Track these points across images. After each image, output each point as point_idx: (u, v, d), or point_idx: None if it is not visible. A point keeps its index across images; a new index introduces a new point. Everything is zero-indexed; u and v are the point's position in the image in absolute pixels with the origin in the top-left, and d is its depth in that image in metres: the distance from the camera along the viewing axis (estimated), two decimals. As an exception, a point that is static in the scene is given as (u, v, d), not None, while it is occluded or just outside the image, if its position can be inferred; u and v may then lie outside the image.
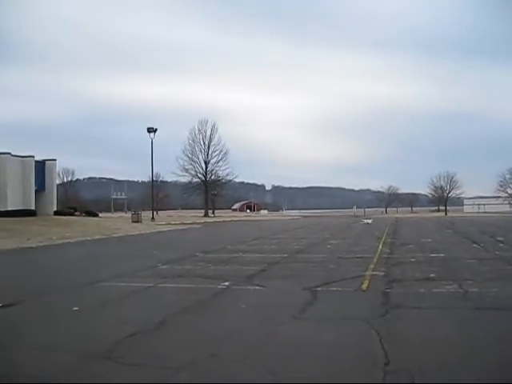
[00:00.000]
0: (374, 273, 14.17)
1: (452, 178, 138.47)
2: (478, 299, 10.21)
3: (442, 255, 18.62)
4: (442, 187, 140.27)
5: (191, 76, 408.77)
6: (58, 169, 65.20)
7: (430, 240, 27.07)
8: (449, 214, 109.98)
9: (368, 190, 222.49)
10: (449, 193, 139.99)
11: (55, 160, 58.23)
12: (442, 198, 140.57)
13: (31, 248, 25.85)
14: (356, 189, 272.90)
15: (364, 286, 11.92)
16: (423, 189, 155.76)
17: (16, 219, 41.78)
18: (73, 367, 6.25)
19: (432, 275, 13.47)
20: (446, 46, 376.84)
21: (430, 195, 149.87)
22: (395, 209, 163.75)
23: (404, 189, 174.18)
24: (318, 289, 11.58)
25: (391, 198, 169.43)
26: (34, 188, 52.80)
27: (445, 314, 9.06)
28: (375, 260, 17.38)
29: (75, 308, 9.92)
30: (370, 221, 54.11)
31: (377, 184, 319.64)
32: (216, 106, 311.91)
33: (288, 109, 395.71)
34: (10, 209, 47.35)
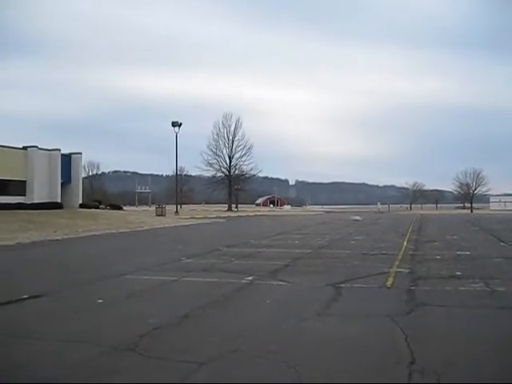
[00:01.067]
0: (399, 270, 14.04)
1: (478, 174, 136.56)
2: (505, 298, 10.07)
3: (468, 253, 18.37)
4: (467, 184, 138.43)
5: (216, 71, 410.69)
6: (83, 162, 65.80)
7: (455, 237, 26.77)
8: (474, 211, 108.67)
9: (392, 186, 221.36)
10: (475, 190, 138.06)
11: (81, 153, 58.75)
12: (467, 195, 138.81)
13: (57, 240, 26.14)
14: (380, 185, 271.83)
15: (389, 283, 11.81)
16: (449, 185, 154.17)
17: (42, 212, 42.31)
18: (97, 359, 6.29)
19: (458, 273, 13.30)
20: (471, 41, 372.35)
21: (455, 192, 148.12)
22: (420, 205, 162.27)
23: (429, 185, 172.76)
24: (342, 285, 11.50)
25: (416, 195, 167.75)
26: (60, 181, 53.40)
27: (471, 312, 8.93)
28: (400, 257, 17.22)
29: (100, 300, 10.00)
30: (358, 217, 56.30)
31: (401, 180, 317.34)
32: (240, 101, 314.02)
33: (313, 105, 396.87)
34: (36, 201, 47.95)
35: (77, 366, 6.08)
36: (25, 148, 51.50)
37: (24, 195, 49.37)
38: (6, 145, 50.03)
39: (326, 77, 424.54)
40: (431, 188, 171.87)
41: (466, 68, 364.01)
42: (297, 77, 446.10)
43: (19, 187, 49.43)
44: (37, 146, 52.05)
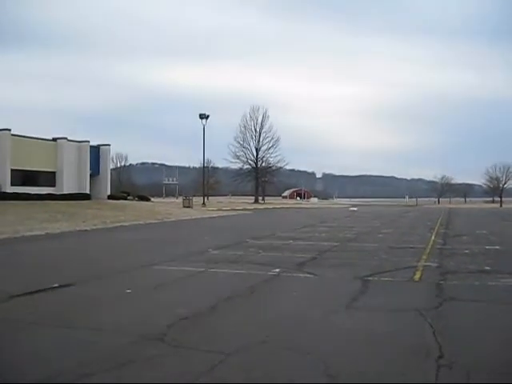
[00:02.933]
0: (427, 264, 13.92)
1: (508, 168, 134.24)
2: (536, 294, 9.93)
3: (498, 247, 18.15)
4: (497, 178, 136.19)
5: (244, 64, 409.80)
6: (111, 154, 66.39)
7: (484, 232, 26.41)
8: (504, 206, 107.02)
9: (421, 180, 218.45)
10: (505, 183, 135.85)
11: (109, 145, 59.40)
12: (497, 189, 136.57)
13: (86, 231, 26.46)
14: (408, 178, 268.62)
15: (416, 277, 11.72)
16: (478, 179, 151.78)
17: (71, 202, 42.94)
18: (126, 349, 6.35)
19: (487, 268, 13.13)
20: (498, 31, 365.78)
21: (484, 186, 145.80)
22: (448, 199, 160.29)
23: (458, 179, 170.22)
24: (370, 278, 11.45)
25: (444, 188, 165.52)
26: (88, 172, 54.06)
27: (501, 308, 8.82)
28: (428, 251, 17.07)
29: (128, 290, 10.11)
30: (355, 208, 61.69)
31: (430, 174, 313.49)
32: (268, 94, 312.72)
33: (340, 97, 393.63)
34: (65, 192, 48.67)
35: (106, 354, 6.14)
36: (54, 140, 52.18)
37: (54, 186, 50.12)
38: (36, 136, 50.77)
39: (354, 69, 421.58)
40: (460, 181, 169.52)
41: (496, 59, 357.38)
42: (323, 69, 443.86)
43: (49, 178, 50.19)
44: (66, 138, 52.70)
